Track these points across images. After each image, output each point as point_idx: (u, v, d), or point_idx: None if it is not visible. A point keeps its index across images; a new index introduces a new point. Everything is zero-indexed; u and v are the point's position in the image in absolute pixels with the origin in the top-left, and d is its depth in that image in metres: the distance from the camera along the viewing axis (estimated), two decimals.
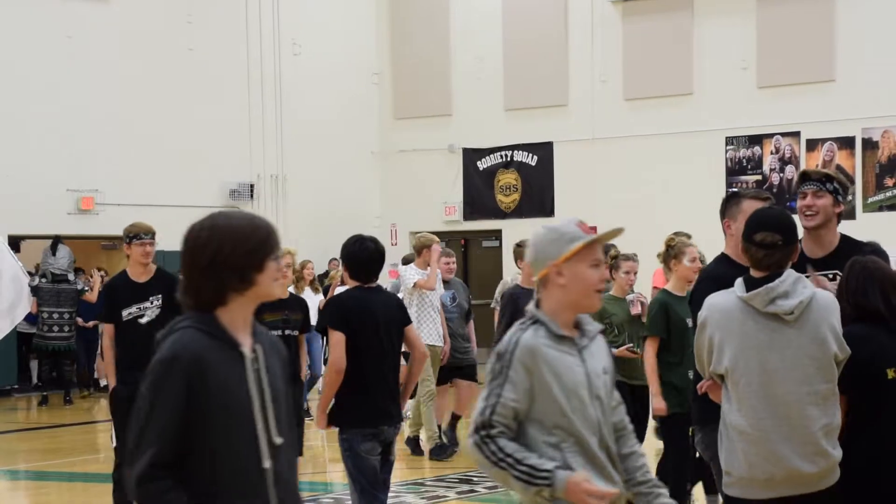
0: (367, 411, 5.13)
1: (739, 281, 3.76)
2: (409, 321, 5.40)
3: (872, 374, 3.72)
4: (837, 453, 3.56)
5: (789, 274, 3.60)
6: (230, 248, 2.48)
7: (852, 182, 15.47)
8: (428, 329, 8.98)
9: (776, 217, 3.71)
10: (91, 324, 13.41)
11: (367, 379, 5.13)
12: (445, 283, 9.47)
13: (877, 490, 3.69)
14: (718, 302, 3.77)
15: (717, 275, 4.35)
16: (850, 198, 4.58)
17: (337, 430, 5.25)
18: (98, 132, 15.45)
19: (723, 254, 4.45)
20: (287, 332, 6.79)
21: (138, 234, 6.46)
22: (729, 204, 4.36)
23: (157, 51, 16.07)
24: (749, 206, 4.25)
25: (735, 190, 4.61)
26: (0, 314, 13.22)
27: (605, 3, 17.21)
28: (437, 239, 9.39)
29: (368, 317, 5.18)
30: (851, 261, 3.91)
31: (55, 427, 12.20)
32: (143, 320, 6.39)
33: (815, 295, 3.59)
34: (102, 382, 13.17)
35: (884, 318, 3.79)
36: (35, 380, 15.05)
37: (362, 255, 5.26)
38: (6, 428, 12.29)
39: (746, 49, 16.26)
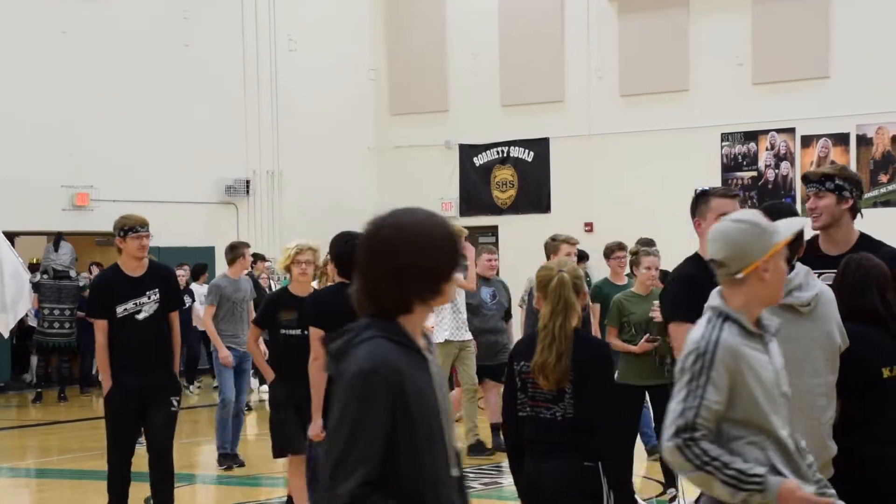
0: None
1: None
2: None
3: (868, 374, 3.73)
4: (834, 447, 3.59)
5: (800, 267, 3.62)
6: (419, 257, 2.29)
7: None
8: (449, 324, 8.77)
9: (784, 212, 3.70)
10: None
11: None
12: (486, 280, 9.21)
13: (874, 489, 3.70)
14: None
15: (687, 274, 4.37)
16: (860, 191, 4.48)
17: None
18: (93, 128, 15.43)
19: (696, 253, 4.43)
20: (305, 331, 6.33)
21: (134, 227, 6.10)
22: (699, 202, 4.34)
23: (152, 47, 16.05)
24: (717, 205, 4.24)
25: (704, 188, 4.57)
26: (3, 309, 13.26)
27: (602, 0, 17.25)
28: (465, 231, 9.03)
29: (349, 314, 5.16)
30: (847, 259, 3.92)
31: (50, 424, 12.21)
32: (140, 316, 6.09)
33: (821, 291, 3.63)
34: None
35: (880, 317, 3.80)
36: (31, 377, 15.03)
37: (352, 253, 5.25)
38: (2, 425, 12.30)
39: (742, 46, 16.28)
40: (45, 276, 13.40)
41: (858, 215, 4.18)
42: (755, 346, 2.82)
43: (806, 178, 4.26)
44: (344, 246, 5.31)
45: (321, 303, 5.40)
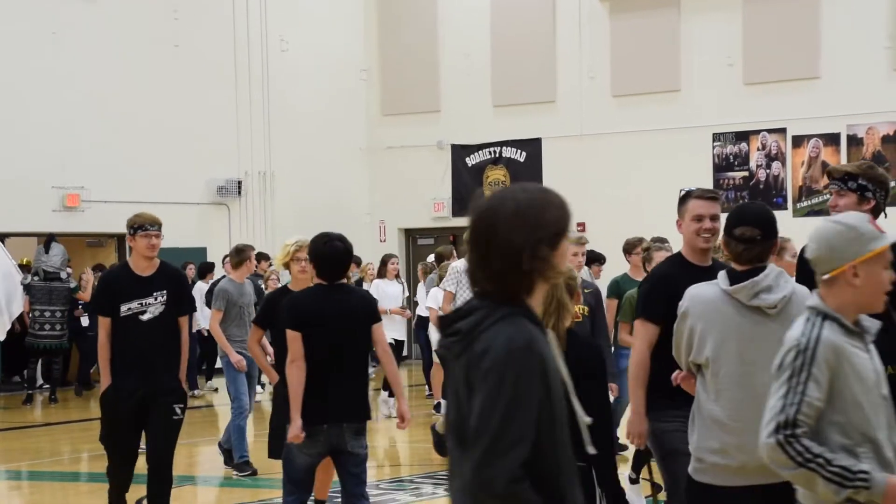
0: (306, 409, 5.08)
1: (723, 273, 3.79)
2: (377, 320, 5.32)
3: None
4: None
5: (772, 268, 3.64)
6: (540, 234, 2.25)
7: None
8: None
9: (756, 212, 3.73)
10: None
11: (311, 378, 5.10)
12: None
13: None
14: (701, 293, 3.80)
15: (661, 274, 4.42)
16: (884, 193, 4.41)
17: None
18: (84, 129, 15.38)
19: (679, 253, 4.48)
20: None
21: (143, 226, 5.89)
22: (681, 203, 4.36)
23: (143, 47, 16.01)
24: (693, 206, 4.28)
25: (689, 189, 4.57)
26: None
27: (593, 0, 17.25)
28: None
29: (325, 316, 5.13)
30: None
31: (42, 426, 12.17)
32: (145, 317, 5.86)
33: (795, 289, 3.64)
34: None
35: (883, 314, 3.79)
36: (21, 378, 14.98)
37: (331, 255, 5.20)
38: None
39: (733, 46, 16.31)
40: (36, 278, 13.36)
41: (882, 215, 4.08)
42: (857, 345, 2.78)
43: (829, 175, 4.20)
44: (322, 247, 5.23)
45: (298, 305, 5.29)
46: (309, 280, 6.06)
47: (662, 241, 7.37)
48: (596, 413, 3.72)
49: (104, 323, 5.93)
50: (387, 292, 11.72)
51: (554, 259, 2.27)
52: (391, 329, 11.53)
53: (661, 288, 4.28)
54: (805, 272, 4.13)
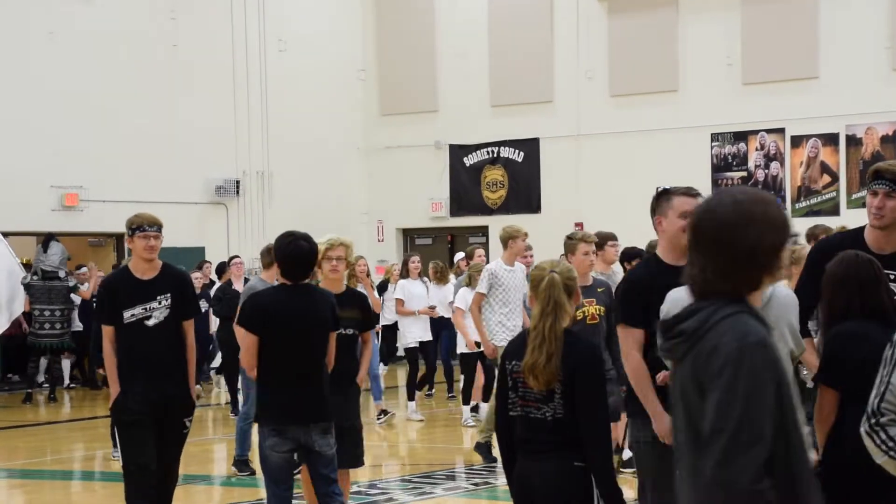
0: (273, 409, 5.14)
1: None
2: (336, 327, 5.32)
3: (867, 372, 3.69)
4: None
5: None
6: (770, 232, 2.29)
7: None
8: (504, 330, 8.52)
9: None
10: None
11: (276, 378, 5.12)
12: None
13: (867, 478, 3.72)
14: (682, 297, 3.79)
15: (633, 278, 4.38)
16: None
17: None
18: (82, 129, 15.39)
19: (654, 254, 4.42)
20: (339, 331, 5.72)
21: (141, 226, 5.55)
22: (659, 200, 4.30)
23: (141, 47, 16.02)
24: (680, 203, 4.23)
25: (665, 187, 4.54)
26: None
27: (591, 0, 17.28)
28: (523, 231, 8.68)
29: (287, 317, 5.14)
30: (847, 255, 3.86)
31: (40, 425, 12.18)
32: (150, 322, 5.54)
33: (774, 292, 3.61)
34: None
35: (885, 315, 3.77)
36: (22, 377, 14.98)
37: (295, 254, 5.19)
38: None
39: (731, 46, 16.33)
40: (35, 278, 13.37)
41: None
42: None
43: (879, 174, 4.14)
44: (287, 247, 5.20)
45: (259, 305, 5.20)
46: (341, 280, 5.91)
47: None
48: (593, 414, 3.74)
49: (107, 332, 5.60)
50: (413, 292, 11.54)
51: (782, 255, 2.31)
52: (418, 329, 11.45)
53: (636, 292, 4.25)
54: (814, 271, 4.09)
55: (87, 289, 13.66)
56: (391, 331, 14.01)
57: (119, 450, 5.71)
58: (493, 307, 8.58)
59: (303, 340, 5.16)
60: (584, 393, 3.71)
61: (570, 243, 7.13)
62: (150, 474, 5.52)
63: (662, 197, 4.30)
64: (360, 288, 9.10)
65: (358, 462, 6.08)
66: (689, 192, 4.32)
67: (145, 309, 5.55)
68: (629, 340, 4.25)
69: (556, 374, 3.71)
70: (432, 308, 11.74)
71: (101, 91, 15.57)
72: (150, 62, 16.11)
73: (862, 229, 4.22)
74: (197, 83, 16.61)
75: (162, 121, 16.14)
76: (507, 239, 8.62)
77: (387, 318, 13.32)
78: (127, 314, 5.53)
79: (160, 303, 5.56)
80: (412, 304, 11.46)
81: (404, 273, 11.93)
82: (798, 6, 16.02)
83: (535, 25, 17.63)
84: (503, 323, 8.55)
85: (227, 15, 17.16)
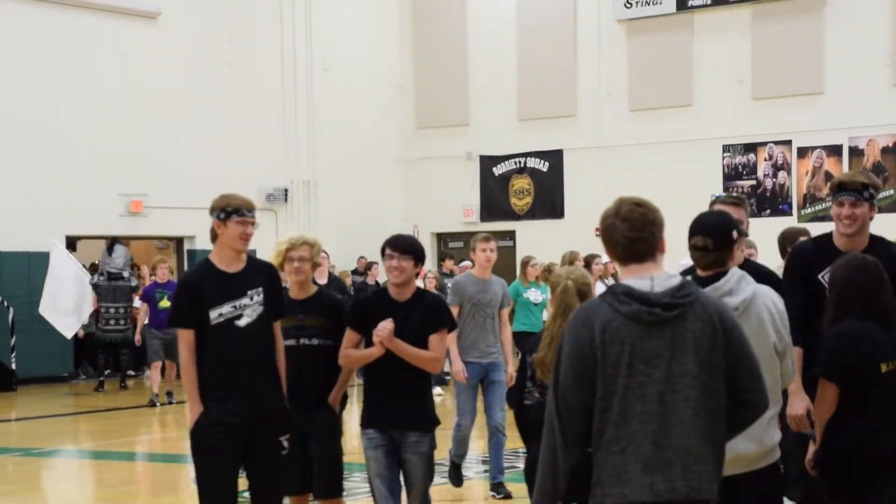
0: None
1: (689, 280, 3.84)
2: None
3: (866, 369, 3.72)
4: (777, 436, 3.53)
5: (733, 272, 3.49)
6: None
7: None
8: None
9: (710, 222, 3.61)
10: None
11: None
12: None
13: (863, 466, 3.73)
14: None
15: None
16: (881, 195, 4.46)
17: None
18: (146, 142, 15.80)
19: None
20: (303, 341, 4.81)
21: (239, 209, 4.39)
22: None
23: (200, 67, 16.43)
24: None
25: (718, 194, 4.50)
26: (66, 313, 13.69)
27: (612, 22, 17.44)
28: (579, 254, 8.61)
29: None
30: (860, 257, 3.85)
31: (111, 410, 12.55)
32: (242, 322, 4.31)
33: (756, 290, 3.55)
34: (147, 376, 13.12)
35: (886, 315, 3.76)
36: (92, 367, 15.43)
37: None
38: (65, 411, 12.66)
39: (742, 64, 16.46)
40: (102, 278, 13.86)
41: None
42: None
43: (843, 186, 4.12)
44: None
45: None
46: (306, 281, 4.99)
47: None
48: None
49: (185, 337, 4.32)
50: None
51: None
52: None
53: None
54: (795, 275, 4.15)
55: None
56: None
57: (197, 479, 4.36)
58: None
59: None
60: None
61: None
62: None
63: (710, 205, 4.22)
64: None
65: (336, 493, 4.87)
66: (728, 200, 4.20)
67: (235, 307, 4.33)
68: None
69: None
70: None
71: (165, 107, 15.98)
72: (209, 80, 16.51)
73: (830, 235, 4.23)
74: (250, 99, 16.99)
75: (218, 134, 16.53)
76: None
77: None
78: (214, 314, 4.30)
79: (252, 299, 4.35)
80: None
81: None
82: (804, 27, 16.13)
83: (559, 45, 17.85)
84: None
85: (277, 38, 17.54)
